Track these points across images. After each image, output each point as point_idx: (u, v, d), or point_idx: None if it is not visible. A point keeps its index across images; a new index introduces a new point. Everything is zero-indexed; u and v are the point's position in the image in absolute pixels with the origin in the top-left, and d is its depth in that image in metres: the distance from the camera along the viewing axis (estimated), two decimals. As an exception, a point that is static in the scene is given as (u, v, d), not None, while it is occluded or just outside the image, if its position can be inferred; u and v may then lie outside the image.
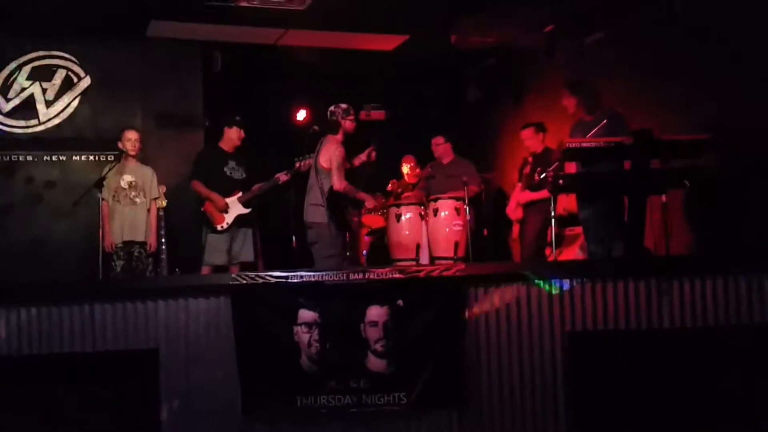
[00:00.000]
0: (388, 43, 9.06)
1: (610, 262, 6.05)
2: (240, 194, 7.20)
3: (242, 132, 7.34)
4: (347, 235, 6.80)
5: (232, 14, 7.93)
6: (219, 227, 7.12)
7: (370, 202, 6.91)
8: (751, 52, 6.27)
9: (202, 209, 7.23)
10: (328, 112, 6.86)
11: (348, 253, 6.98)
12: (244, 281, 5.48)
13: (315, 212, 6.65)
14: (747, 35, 6.30)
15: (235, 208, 7.19)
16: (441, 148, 8.19)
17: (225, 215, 7.14)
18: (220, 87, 8.82)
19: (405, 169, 8.59)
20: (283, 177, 7.16)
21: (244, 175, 7.30)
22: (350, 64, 9.30)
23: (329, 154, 6.63)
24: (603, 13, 7.59)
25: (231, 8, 7.76)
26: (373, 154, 7.14)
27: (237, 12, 7.86)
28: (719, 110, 6.50)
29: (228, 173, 7.24)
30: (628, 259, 5.99)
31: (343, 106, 6.83)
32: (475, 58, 9.20)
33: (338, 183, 6.57)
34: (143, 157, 7.43)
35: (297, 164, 7.04)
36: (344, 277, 5.54)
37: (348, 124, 6.80)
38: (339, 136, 6.76)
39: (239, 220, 7.18)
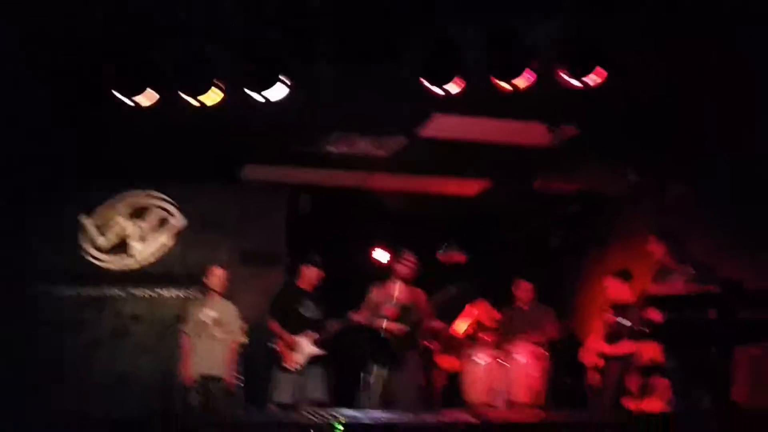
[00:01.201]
0: (470, 187, 9.21)
1: (695, 415, 5.78)
2: (314, 335, 7.22)
3: (320, 271, 7.44)
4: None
5: (320, 158, 8.24)
6: (290, 367, 7.13)
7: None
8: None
9: (274, 346, 7.26)
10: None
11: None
12: (317, 420, 5.45)
13: None
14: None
15: (308, 348, 7.22)
16: (526, 293, 8.12)
17: (296, 355, 7.15)
18: (305, 227, 9.06)
19: (475, 311, 8.48)
20: (356, 316, 7.19)
21: (320, 315, 7.34)
22: (433, 208, 9.46)
23: None
24: (683, 169, 7.60)
25: (320, 153, 8.08)
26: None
27: (325, 156, 8.17)
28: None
29: (303, 312, 7.31)
30: (714, 412, 5.72)
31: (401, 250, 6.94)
32: (558, 203, 9.24)
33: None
34: (228, 294, 7.60)
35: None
36: (418, 419, 5.45)
37: (401, 267, 6.93)
38: (392, 280, 6.87)
39: (312, 360, 7.19)
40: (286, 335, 7.19)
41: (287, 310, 7.32)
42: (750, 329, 5.89)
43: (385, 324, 6.67)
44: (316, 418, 5.45)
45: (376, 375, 6.54)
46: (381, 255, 9.01)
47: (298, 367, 7.15)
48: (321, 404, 7.08)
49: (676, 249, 6.56)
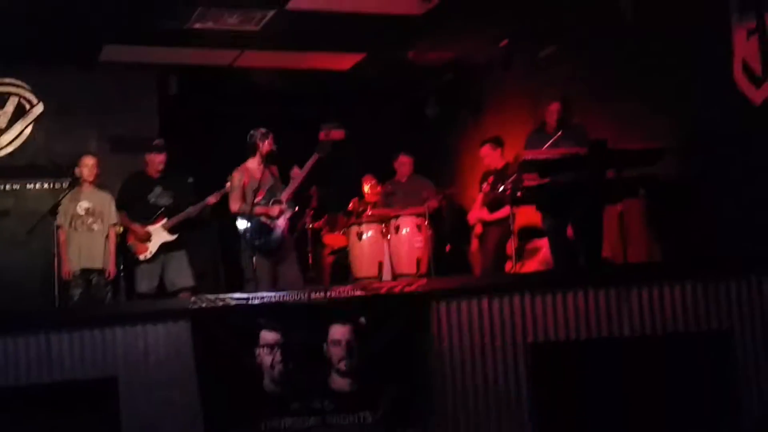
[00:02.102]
0: (344, 62, 9.07)
1: (570, 272, 6.06)
2: (165, 221, 7.04)
3: (162, 155, 7.14)
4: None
5: (186, 36, 7.89)
6: (142, 257, 6.96)
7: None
8: (703, 61, 6.37)
9: (126, 242, 7.05)
10: (248, 136, 6.78)
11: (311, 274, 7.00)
12: (204, 304, 5.40)
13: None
14: (698, 44, 6.41)
15: (160, 235, 7.03)
16: (404, 166, 8.17)
17: (148, 244, 6.98)
18: (177, 110, 8.76)
19: (366, 188, 8.56)
20: (212, 199, 7.05)
21: (172, 201, 7.11)
22: (307, 84, 9.29)
23: None
24: (555, 27, 7.67)
25: (185, 31, 7.72)
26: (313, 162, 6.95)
27: (191, 34, 7.83)
28: (676, 118, 6.59)
29: (152, 200, 7.09)
30: (588, 269, 6.01)
31: (262, 130, 6.74)
32: (432, 74, 9.23)
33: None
34: (100, 182, 7.30)
35: (227, 184, 6.85)
36: (305, 297, 5.49)
37: (265, 147, 6.70)
38: (257, 159, 6.68)
39: (165, 246, 7.02)
40: (134, 226, 6.99)
41: (134, 200, 7.08)
42: (616, 188, 6.16)
43: (258, 209, 6.52)
44: (204, 302, 5.41)
45: (259, 262, 6.46)
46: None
47: (149, 255, 6.98)
48: (186, 289, 6.92)
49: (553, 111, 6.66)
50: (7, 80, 8.24)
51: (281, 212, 6.58)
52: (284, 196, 6.64)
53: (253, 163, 6.68)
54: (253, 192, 6.54)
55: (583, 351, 5.48)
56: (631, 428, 5.43)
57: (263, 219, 6.54)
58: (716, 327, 5.46)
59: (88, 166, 7.08)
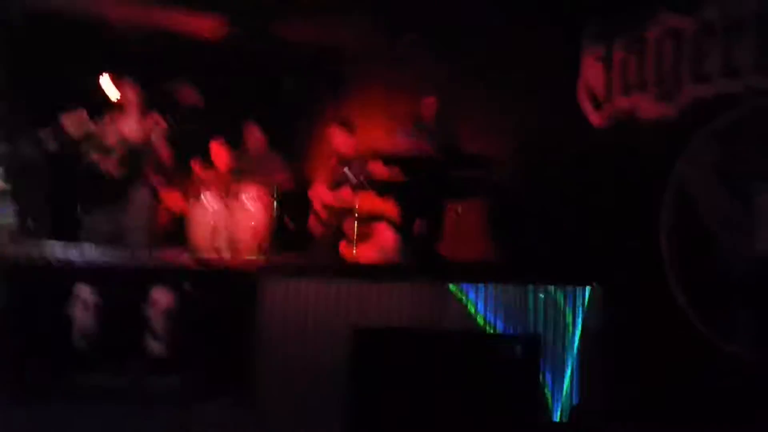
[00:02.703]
0: (207, 26, 8.84)
1: (404, 265, 6.18)
2: None
3: None
4: None
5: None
6: None
7: None
8: (553, 80, 6.64)
9: None
10: None
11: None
12: (20, 252, 5.17)
13: None
14: (551, 63, 6.67)
15: None
16: (253, 137, 8.07)
17: None
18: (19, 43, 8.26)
19: (214, 154, 8.38)
20: (46, 135, 6.69)
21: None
22: (169, 45, 8.99)
23: None
24: (416, 15, 7.76)
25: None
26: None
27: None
28: (522, 130, 6.83)
29: None
30: (424, 262, 6.16)
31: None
32: (294, 48, 9.15)
33: None
34: None
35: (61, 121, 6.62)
36: (130, 257, 5.34)
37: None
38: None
39: None
40: None
41: None
42: (458, 186, 6.35)
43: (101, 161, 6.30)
44: (21, 249, 5.17)
45: (96, 215, 6.23)
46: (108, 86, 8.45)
47: None
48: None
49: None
50: None
51: None
52: None
53: None
54: None
55: (406, 341, 5.58)
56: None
57: None
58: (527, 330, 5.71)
59: None
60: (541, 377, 5.60)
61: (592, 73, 6.42)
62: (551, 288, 5.71)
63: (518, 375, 5.20)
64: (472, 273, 5.82)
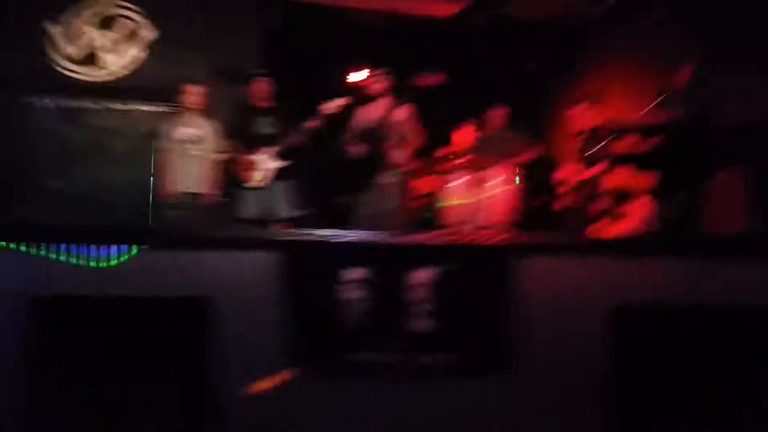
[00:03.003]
0: (447, 9, 9.03)
1: (658, 238, 6.02)
2: (271, 149, 7.13)
3: (266, 84, 7.26)
4: None
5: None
6: (249, 185, 7.08)
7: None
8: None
9: (231, 168, 7.19)
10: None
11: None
12: (293, 237, 5.58)
13: None
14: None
15: (265, 163, 7.14)
16: (498, 119, 8.16)
17: (254, 172, 7.10)
18: (279, 43, 8.89)
19: (460, 136, 8.57)
20: (312, 123, 7.05)
21: (277, 129, 7.20)
22: (410, 28, 9.29)
23: None
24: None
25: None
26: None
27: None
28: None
29: (257, 129, 7.20)
30: (679, 235, 5.96)
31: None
32: (536, 28, 9.12)
33: None
34: (205, 111, 7.49)
35: (323, 107, 6.98)
36: (391, 239, 5.61)
37: (372, 85, 7.10)
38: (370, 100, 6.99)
39: (270, 176, 7.14)
40: (242, 155, 7.13)
41: (241, 130, 7.21)
42: (716, 157, 6.07)
43: (352, 147, 6.69)
44: (293, 235, 5.58)
45: (353, 199, 6.63)
46: (359, 77, 8.88)
47: (254, 184, 7.12)
48: (287, 220, 7.10)
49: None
50: (120, 2, 8.47)
51: None
52: None
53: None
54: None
55: (668, 318, 5.46)
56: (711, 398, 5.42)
57: None
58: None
59: (194, 93, 7.29)
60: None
61: None
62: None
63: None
64: (735, 246, 5.57)
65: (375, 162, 7.00)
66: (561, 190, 7.58)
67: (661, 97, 6.26)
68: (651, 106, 6.28)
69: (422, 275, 5.55)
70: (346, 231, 5.71)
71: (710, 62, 6.93)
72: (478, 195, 7.30)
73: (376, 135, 7.06)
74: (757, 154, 6.08)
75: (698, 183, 6.03)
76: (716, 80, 6.79)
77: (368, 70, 7.84)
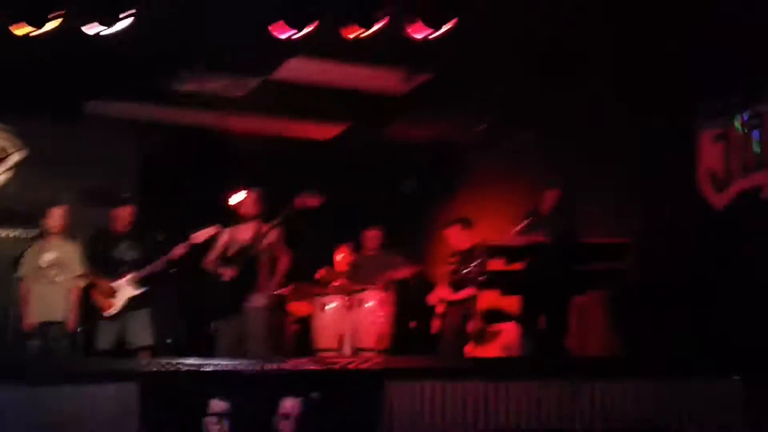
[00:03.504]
0: (326, 132, 9.20)
1: (528, 361, 6.07)
2: (130, 276, 6.93)
3: (128, 209, 7.09)
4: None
5: (170, 96, 8.00)
6: (106, 314, 6.85)
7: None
8: (670, 163, 6.50)
9: (90, 298, 6.96)
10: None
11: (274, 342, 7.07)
12: (155, 368, 5.37)
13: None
14: (665, 145, 6.54)
15: (125, 291, 6.93)
16: (373, 239, 8.20)
17: (113, 300, 6.88)
18: (154, 166, 8.83)
19: (338, 257, 8.57)
20: (177, 251, 6.92)
21: (138, 256, 7.00)
22: (289, 151, 9.39)
23: None
24: (533, 114, 7.82)
25: (170, 91, 7.84)
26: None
27: (176, 94, 7.94)
28: (642, 216, 6.69)
29: (118, 256, 7.00)
30: (546, 358, 6.03)
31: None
32: (411, 150, 9.35)
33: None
34: (66, 234, 7.25)
35: (192, 236, 6.87)
36: (259, 367, 5.47)
37: (243, 204, 7.19)
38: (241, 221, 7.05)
39: (130, 303, 6.91)
40: (101, 282, 6.92)
41: (100, 256, 6.99)
42: (581, 279, 6.23)
43: (222, 270, 6.60)
44: (155, 366, 5.38)
45: (223, 324, 6.46)
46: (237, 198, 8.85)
47: (113, 311, 6.88)
48: (145, 348, 6.83)
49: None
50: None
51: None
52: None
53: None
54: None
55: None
56: None
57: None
58: (665, 426, 5.47)
59: (54, 216, 7.06)
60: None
61: (710, 153, 6.25)
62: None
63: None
64: (601, 368, 5.66)
65: (243, 286, 6.88)
66: (436, 311, 7.61)
67: (527, 221, 6.43)
68: (518, 229, 6.44)
69: (290, 405, 5.39)
70: (210, 360, 5.53)
71: (574, 187, 7.24)
72: (352, 317, 7.24)
73: (245, 257, 6.96)
74: (617, 277, 6.26)
75: (561, 306, 6.14)
76: (579, 205, 7.08)
77: (244, 192, 7.82)
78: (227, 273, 6.89)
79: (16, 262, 6.84)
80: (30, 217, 7.58)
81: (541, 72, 7.06)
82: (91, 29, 6.03)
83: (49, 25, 5.93)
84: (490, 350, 6.93)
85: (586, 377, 5.54)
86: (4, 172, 8.29)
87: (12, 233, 8.07)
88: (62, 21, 5.92)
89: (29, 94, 7.70)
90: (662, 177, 6.54)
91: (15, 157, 8.32)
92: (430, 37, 6.18)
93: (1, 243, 8.02)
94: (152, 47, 6.65)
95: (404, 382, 5.50)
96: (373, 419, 5.43)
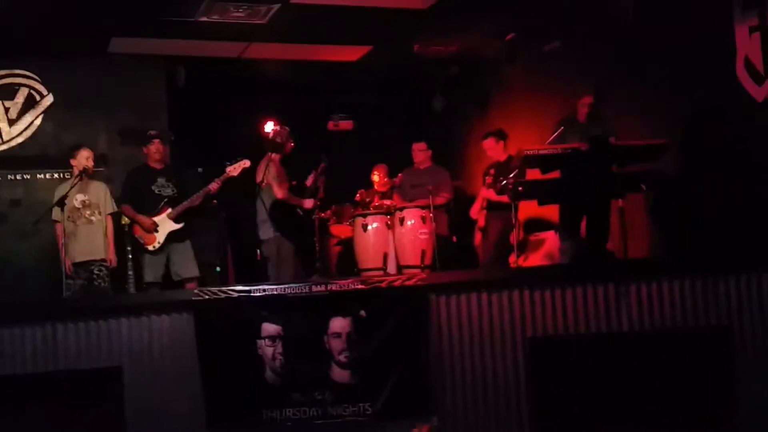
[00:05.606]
0: (351, 53, 9.10)
1: (571, 267, 6.08)
2: (169, 210, 7.00)
3: (156, 145, 7.13)
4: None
5: (193, 29, 7.94)
6: (150, 248, 6.95)
7: (308, 203, 7.33)
8: (705, 57, 6.36)
9: (134, 233, 7.07)
10: (273, 133, 7.40)
11: (318, 264, 7.24)
12: (207, 296, 5.49)
13: (262, 229, 7.22)
14: (700, 40, 6.39)
15: (166, 225, 6.99)
16: (422, 154, 8.14)
17: (155, 234, 6.96)
18: (185, 102, 8.83)
19: (375, 177, 8.56)
20: (214, 186, 6.99)
21: (176, 191, 7.08)
22: (315, 75, 9.34)
23: (262, 170, 7.19)
24: (559, 23, 7.66)
25: (192, 23, 7.77)
26: (321, 170, 7.42)
27: (198, 27, 7.88)
28: (678, 114, 6.59)
29: (157, 191, 7.05)
30: (589, 263, 6.03)
31: (287, 129, 7.43)
32: (438, 67, 9.24)
33: (279, 192, 7.20)
34: (93, 174, 7.28)
35: (227, 170, 6.96)
36: (307, 290, 5.56)
37: (289, 147, 7.43)
38: (279, 157, 7.31)
39: (172, 236, 6.99)
40: (140, 217, 6.97)
41: (139, 192, 7.07)
42: (619, 182, 6.18)
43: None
44: (207, 294, 5.49)
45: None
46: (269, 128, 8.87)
47: (157, 246, 6.97)
48: (191, 279, 6.96)
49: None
50: (18, 71, 8.31)
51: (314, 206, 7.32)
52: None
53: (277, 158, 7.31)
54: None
55: (581, 345, 5.51)
56: (629, 423, 5.47)
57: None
58: (715, 323, 5.49)
59: (83, 157, 7.12)
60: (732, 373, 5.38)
61: (747, 45, 6.09)
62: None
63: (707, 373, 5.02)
64: (645, 270, 5.67)
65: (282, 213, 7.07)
66: (478, 225, 7.63)
67: (560, 129, 6.37)
68: (552, 137, 6.39)
69: (339, 324, 5.49)
70: (260, 285, 5.63)
71: (608, 91, 7.13)
72: (394, 235, 7.26)
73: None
74: (658, 179, 6.20)
75: (601, 210, 6.11)
76: (615, 108, 6.99)
77: (273, 122, 7.87)
78: (307, 203, 7.32)
79: (59, 203, 6.90)
80: (63, 159, 7.66)
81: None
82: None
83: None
84: (533, 259, 6.95)
85: (630, 279, 5.56)
86: (37, 116, 8.33)
87: (53, 175, 8.16)
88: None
89: (55, 37, 7.71)
90: (700, 73, 6.40)
91: (46, 101, 8.34)
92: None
93: (42, 186, 8.12)
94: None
95: (449, 296, 5.58)
96: (419, 334, 5.52)
